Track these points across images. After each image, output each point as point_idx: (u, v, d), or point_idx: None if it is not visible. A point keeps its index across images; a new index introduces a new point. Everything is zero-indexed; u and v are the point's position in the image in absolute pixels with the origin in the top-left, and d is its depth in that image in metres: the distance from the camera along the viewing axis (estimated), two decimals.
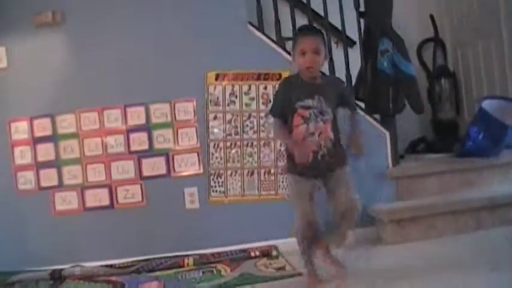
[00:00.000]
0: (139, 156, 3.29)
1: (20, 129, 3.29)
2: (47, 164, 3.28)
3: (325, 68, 3.42)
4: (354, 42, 3.87)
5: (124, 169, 3.29)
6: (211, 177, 3.30)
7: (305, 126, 2.44)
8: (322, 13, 3.56)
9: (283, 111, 2.50)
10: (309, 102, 2.43)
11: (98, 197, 3.28)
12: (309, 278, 2.56)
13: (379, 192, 3.36)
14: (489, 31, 4.20)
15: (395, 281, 2.52)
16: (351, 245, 2.73)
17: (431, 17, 4.72)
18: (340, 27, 3.60)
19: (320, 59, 2.44)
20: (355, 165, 3.26)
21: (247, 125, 3.29)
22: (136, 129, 3.29)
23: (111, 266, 3.11)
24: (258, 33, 3.35)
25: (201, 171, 3.30)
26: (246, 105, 3.31)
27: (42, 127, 3.29)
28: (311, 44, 2.42)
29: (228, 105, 3.31)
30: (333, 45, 3.67)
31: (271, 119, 2.67)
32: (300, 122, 2.44)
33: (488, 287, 2.33)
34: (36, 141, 3.29)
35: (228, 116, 3.30)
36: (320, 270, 2.59)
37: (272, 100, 2.71)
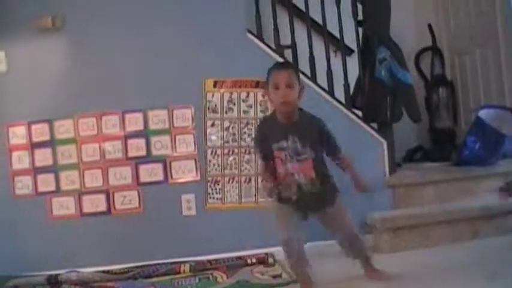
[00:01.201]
0: (137, 162, 3.29)
1: (18, 134, 3.29)
2: (44, 169, 3.28)
3: (323, 77, 3.45)
4: (352, 51, 3.88)
5: (121, 175, 3.29)
6: (209, 184, 3.31)
7: (283, 167, 2.45)
8: (320, 21, 3.58)
9: (263, 150, 2.52)
10: (283, 144, 2.42)
11: (95, 203, 3.28)
12: (302, 280, 2.58)
13: (375, 200, 3.37)
14: (486, 40, 4.23)
15: None
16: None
17: (429, 26, 4.74)
18: (338, 36, 3.62)
19: (294, 93, 2.38)
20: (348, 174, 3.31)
21: (244, 132, 3.30)
22: (134, 135, 3.30)
23: (107, 271, 3.10)
24: (257, 41, 3.36)
25: (199, 177, 3.31)
26: (244, 112, 3.32)
27: (40, 132, 3.29)
28: (283, 78, 2.38)
29: (226, 112, 3.32)
30: (331, 54, 3.68)
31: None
32: (279, 163, 2.45)
33: None
34: (34, 146, 3.28)
35: (226, 123, 3.31)
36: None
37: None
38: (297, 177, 2.44)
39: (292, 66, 2.61)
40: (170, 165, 3.30)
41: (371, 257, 2.65)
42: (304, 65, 3.46)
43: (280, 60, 3.25)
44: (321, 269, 2.75)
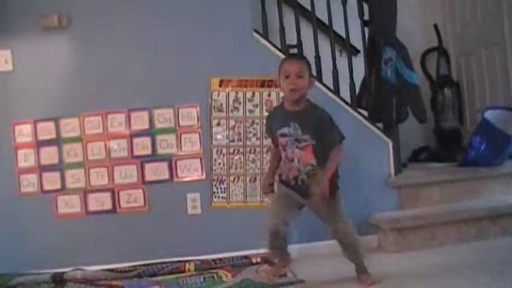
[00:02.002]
0: (142, 161, 3.29)
1: (24, 132, 3.29)
2: (50, 168, 3.29)
3: (329, 76, 3.45)
4: (358, 51, 3.88)
5: (127, 173, 3.29)
6: (214, 183, 3.31)
7: (284, 153, 2.56)
8: (326, 21, 3.57)
9: (270, 136, 2.72)
10: (285, 130, 2.53)
11: (100, 201, 3.29)
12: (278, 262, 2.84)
13: (381, 200, 3.36)
14: (492, 40, 4.22)
15: None
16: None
17: (435, 26, 4.73)
18: (344, 36, 3.61)
19: (303, 83, 2.49)
20: (354, 174, 3.31)
21: (250, 132, 3.30)
22: (140, 134, 3.30)
23: (112, 270, 3.10)
24: (263, 40, 3.36)
25: (204, 177, 3.31)
26: (250, 111, 3.32)
27: (46, 130, 3.29)
28: (295, 68, 2.50)
29: (231, 111, 3.32)
30: (337, 54, 3.68)
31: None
32: (282, 149, 2.57)
33: None
34: (39, 144, 3.29)
35: (232, 122, 3.31)
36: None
37: None
38: (297, 163, 2.53)
39: (303, 58, 2.70)
40: (175, 164, 3.30)
41: (363, 262, 2.67)
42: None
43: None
44: (317, 269, 2.77)
